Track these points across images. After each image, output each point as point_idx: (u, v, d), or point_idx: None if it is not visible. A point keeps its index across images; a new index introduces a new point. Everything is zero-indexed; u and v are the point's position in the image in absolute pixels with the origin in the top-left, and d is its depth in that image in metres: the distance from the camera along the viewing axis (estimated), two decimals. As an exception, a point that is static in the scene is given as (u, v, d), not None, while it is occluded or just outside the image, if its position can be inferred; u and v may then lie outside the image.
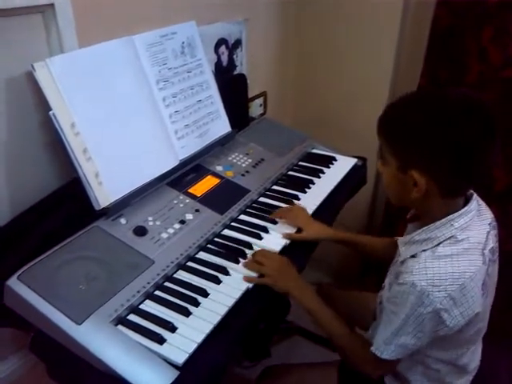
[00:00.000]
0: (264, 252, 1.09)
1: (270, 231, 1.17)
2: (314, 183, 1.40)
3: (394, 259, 1.02)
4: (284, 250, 1.14)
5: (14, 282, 0.88)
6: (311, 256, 1.14)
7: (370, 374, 1.03)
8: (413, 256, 0.91)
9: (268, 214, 1.23)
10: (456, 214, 0.88)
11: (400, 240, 0.98)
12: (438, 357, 0.97)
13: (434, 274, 0.84)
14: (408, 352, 0.92)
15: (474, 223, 0.90)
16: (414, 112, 0.85)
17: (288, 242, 1.16)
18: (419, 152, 0.84)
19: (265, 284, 1.03)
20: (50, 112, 0.97)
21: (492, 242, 0.92)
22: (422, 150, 0.84)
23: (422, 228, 0.91)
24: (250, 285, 1.00)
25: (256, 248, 1.11)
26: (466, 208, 0.89)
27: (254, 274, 1.03)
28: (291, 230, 1.19)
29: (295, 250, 1.16)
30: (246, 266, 1.06)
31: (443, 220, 0.88)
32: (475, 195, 0.94)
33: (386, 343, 0.91)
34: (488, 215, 0.95)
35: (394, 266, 0.99)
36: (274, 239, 1.15)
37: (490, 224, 0.94)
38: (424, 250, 0.89)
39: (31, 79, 0.98)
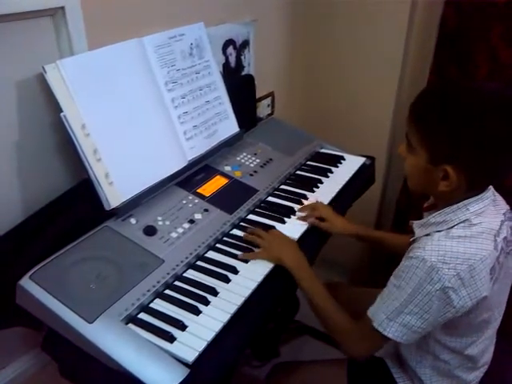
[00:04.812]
0: (271, 230, 1.14)
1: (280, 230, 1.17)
2: (322, 182, 1.41)
3: None
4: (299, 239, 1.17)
5: (26, 282, 0.90)
6: (322, 255, 1.15)
7: (355, 355, 1.02)
8: (426, 235, 0.92)
9: (276, 213, 1.24)
10: (472, 199, 0.90)
11: (415, 223, 0.99)
12: (447, 344, 0.97)
13: (445, 252, 0.85)
14: (411, 336, 0.91)
15: (488, 210, 0.91)
16: (456, 109, 0.85)
17: (300, 235, 1.17)
18: (458, 149, 0.85)
19: (257, 257, 1.06)
20: (61, 114, 0.98)
21: (506, 233, 0.93)
22: (461, 147, 0.84)
23: (438, 211, 0.92)
24: (259, 283, 1.00)
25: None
26: (481, 195, 0.91)
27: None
28: (301, 229, 1.19)
29: (307, 241, 1.17)
30: (244, 237, 1.11)
31: (459, 204, 0.90)
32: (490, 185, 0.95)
33: (390, 319, 0.90)
34: (503, 206, 0.97)
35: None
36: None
37: (504, 214, 0.95)
38: (438, 231, 0.90)
39: (42, 81, 0.99)
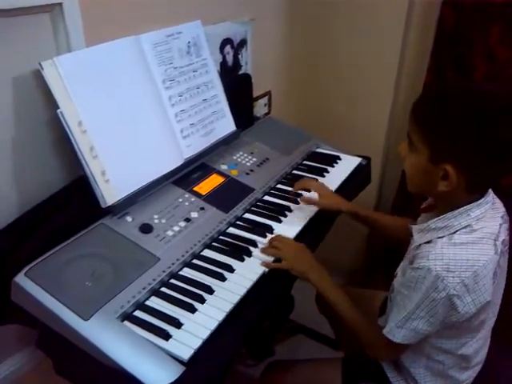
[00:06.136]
0: (280, 238, 1.13)
1: (276, 229, 1.18)
2: (318, 182, 1.41)
3: (408, 247, 1.03)
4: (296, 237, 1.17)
5: (21, 279, 0.89)
6: (318, 256, 1.15)
7: (380, 358, 1.07)
8: (428, 242, 0.92)
9: (273, 212, 1.24)
10: (473, 204, 0.90)
11: (414, 227, 0.99)
12: (442, 346, 0.98)
13: (449, 260, 0.86)
14: (419, 337, 0.93)
15: (488, 215, 0.91)
16: (456, 110, 0.85)
17: (296, 234, 1.18)
18: (458, 148, 0.85)
19: (282, 268, 1.06)
20: (58, 110, 0.98)
21: (503, 235, 0.94)
22: (461, 146, 0.85)
23: (439, 216, 0.93)
24: (255, 282, 1.00)
25: (261, 246, 1.11)
26: (482, 199, 0.91)
27: (270, 259, 1.07)
28: (298, 227, 1.20)
29: (304, 239, 1.17)
30: (263, 251, 1.09)
31: (461, 209, 0.90)
32: (490, 188, 0.95)
33: (399, 326, 0.93)
34: (500, 209, 0.97)
35: (409, 252, 1.00)
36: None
37: (502, 217, 0.95)
38: (440, 237, 0.91)
39: (39, 77, 0.99)
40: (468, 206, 0.90)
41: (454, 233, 0.90)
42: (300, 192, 1.31)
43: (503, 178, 0.93)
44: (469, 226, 0.89)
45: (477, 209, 0.90)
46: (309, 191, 1.30)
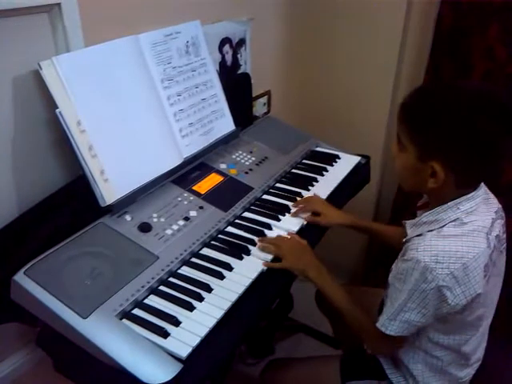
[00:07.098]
0: (281, 236, 1.14)
1: (274, 228, 1.18)
2: (317, 181, 1.41)
3: None
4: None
5: (20, 277, 0.90)
6: (318, 255, 1.15)
7: (378, 352, 1.08)
8: (418, 235, 0.94)
9: (271, 211, 1.24)
10: (463, 198, 0.91)
11: (408, 222, 1.00)
12: (440, 342, 0.98)
13: (438, 252, 0.86)
14: (412, 329, 0.94)
15: (479, 209, 0.92)
16: (442, 106, 0.86)
17: (297, 229, 1.19)
18: (444, 145, 0.86)
19: (283, 268, 1.06)
20: (57, 110, 0.98)
21: (498, 231, 0.94)
22: (447, 143, 0.86)
23: (430, 211, 0.94)
24: (253, 280, 1.01)
25: (260, 243, 1.11)
26: (473, 193, 0.92)
27: (269, 257, 1.07)
28: (296, 226, 1.20)
29: (307, 232, 1.18)
30: (263, 249, 1.09)
31: (450, 203, 0.91)
32: (483, 183, 0.96)
33: (391, 319, 0.94)
34: (495, 204, 0.98)
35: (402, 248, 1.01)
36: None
37: (496, 212, 0.96)
38: (430, 230, 0.92)
39: (38, 77, 0.99)
40: (457, 200, 0.91)
41: (443, 226, 0.91)
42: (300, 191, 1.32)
43: (496, 175, 0.93)
44: (458, 219, 0.90)
45: (466, 202, 0.91)
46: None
